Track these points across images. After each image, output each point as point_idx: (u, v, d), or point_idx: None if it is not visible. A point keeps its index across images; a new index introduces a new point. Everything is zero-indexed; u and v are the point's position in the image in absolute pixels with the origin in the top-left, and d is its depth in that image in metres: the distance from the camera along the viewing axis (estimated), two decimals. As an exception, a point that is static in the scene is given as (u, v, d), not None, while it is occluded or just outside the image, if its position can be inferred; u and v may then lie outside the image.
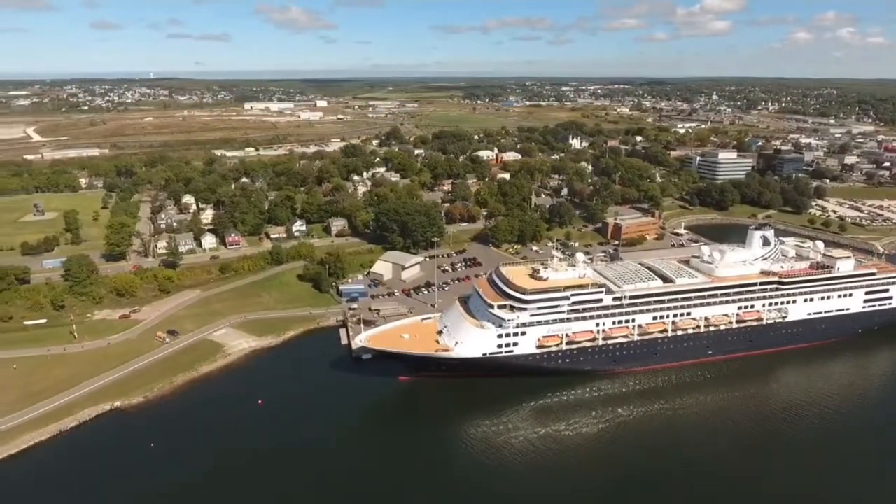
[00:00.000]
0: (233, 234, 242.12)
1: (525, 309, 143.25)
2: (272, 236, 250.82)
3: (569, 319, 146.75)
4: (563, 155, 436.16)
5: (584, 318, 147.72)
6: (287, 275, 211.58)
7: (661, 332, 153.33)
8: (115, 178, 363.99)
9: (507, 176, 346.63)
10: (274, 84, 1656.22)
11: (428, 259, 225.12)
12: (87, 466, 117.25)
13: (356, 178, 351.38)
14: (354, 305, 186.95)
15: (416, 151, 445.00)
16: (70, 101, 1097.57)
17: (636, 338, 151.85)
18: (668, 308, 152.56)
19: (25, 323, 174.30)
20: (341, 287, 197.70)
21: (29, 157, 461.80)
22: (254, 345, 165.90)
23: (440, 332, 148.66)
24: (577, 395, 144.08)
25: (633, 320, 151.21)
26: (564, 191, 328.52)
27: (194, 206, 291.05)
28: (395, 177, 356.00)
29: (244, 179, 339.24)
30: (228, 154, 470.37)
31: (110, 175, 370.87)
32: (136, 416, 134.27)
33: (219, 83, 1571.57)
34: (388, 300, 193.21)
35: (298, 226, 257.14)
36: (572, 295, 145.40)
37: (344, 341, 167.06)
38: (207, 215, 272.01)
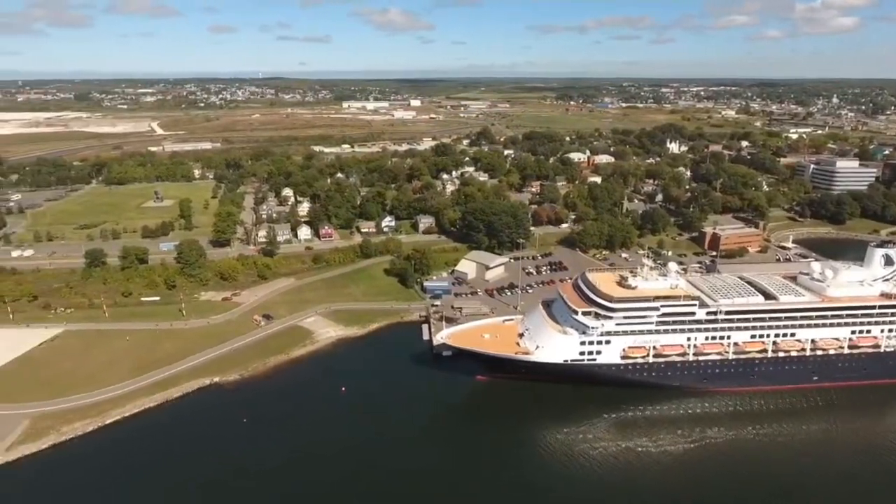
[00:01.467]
0: (326, 227, 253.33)
1: (611, 317, 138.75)
2: (362, 230, 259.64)
3: (657, 331, 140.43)
4: (659, 159, 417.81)
5: (673, 331, 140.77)
6: (374, 268, 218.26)
7: (760, 352, 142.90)
8: (225, 170, 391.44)
9: (598, 179, 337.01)
10: (371, 84, 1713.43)
11: (512, 260, 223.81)
12: (187, 433, 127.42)
13: (445, 176, 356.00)
14: (437, 302, 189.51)
15: (506, 152, 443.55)
16: (189, 98, 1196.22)
17: (731, 356, 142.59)
18: (770, 327, 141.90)
19: (142, 299, 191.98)
20: (426, 283, 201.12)
21: (152, 149, 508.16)
22: (340, 334, 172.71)
23: (521, 335, 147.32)
24: (663, 411, 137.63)
25: (729, 337, 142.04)
26: (659, 196, 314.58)
27: (292, 199, 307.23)
28: (483, 177, 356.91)
29: (339, 175, 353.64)
30: (326, 150, 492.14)
31: (220, 167, 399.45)
32: (232, 392, 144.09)
33: (320, 82, 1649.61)
34: (471, 299, 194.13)
35: (388, 221, 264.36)
36: (662, 306, 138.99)
37: (426, 337, 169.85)
38: (304, 208, 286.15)
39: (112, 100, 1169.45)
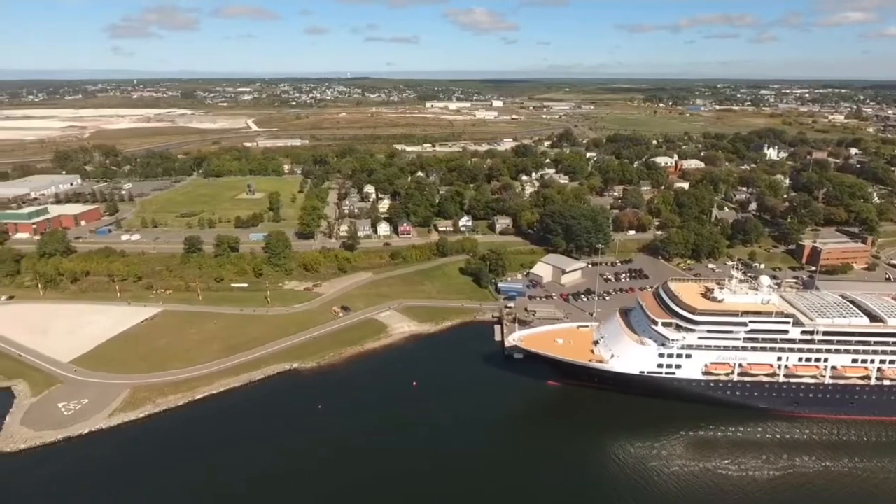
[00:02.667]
0: (405, 224, 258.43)
1: (693, 330, 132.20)
2: (440, 229, 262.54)
3: (744, 348, 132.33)
4: (754, 165, 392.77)
5: (762, 350, 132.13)
6: (450, 267, 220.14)
7: (862, 378, 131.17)
8: (312, 166, 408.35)
9: (685, 185, 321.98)
10: (454, 84, 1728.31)
11: (590, 265, 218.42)
12: (267, 414, 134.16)
13: (525, 177, 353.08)
14: (511, 304, 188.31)
15: (588, 154, 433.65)
16: (282, 97, 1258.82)
17: (828, 380, 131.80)
18: (875, 352, 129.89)
19: (232, 285, 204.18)
20: (500, 284, 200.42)
21: (247, 144, 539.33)
22: (414, 329, 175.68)
23: (596, 342, 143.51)
24: (747, 434, 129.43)
25: (826, 360, 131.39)
26: (753, 205, 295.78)
27: (374, 196, 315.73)
28: (563, 179, 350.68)
29: (419, 173, 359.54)
30: (408, 149, 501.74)
31: (308, 163, 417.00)
32: (310, 379, 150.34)
33: (405, 82, 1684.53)
34: (545, 303, 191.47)
35: (465, 221, 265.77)
36: (751, 322, 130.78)
37: (497, 338, 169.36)
38: (384, 205, 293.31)
39: (214, 98, 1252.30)
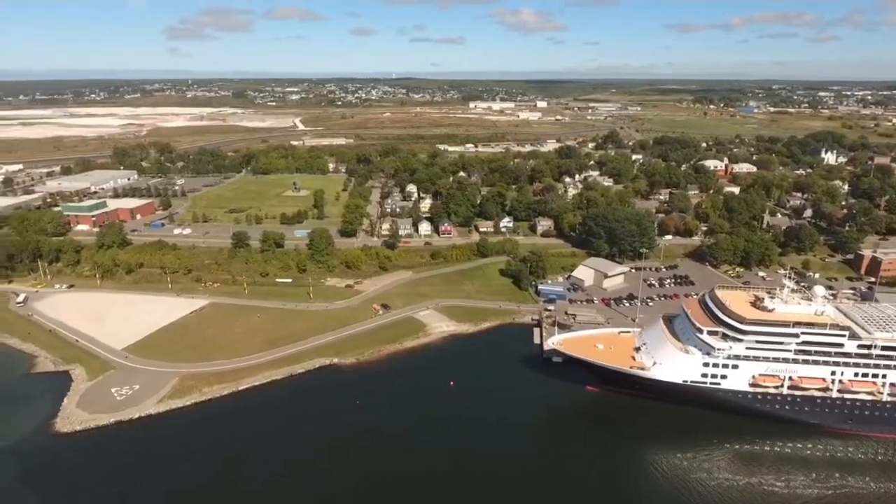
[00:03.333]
0: (446, 224, 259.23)
1: (741, 340, 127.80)
2: (481, 229, 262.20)
3: (795, 360, 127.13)
4: (810, 170, 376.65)
5: (815, 363, 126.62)
6: (490, 268, 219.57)
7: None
8: (355, 165, 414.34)
9: (735, 189, 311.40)
10: (498, 84, 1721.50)
11: (633, 270, 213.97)
12: (306, 407, 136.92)
13: (568, 179, 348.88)
14: (551, 307, 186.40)
15: (634, 157, 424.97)
16: (328, 97, 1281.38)
17: (886, 397, 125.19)
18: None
19: (277, 280, 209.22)
20: (540, 286, 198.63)
21: (294, 143, 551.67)
22: (452, 329, 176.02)
23: (638, 349, 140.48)
24: (796, 449, 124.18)
25: (885, 376, 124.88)
26: (808, 212, 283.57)
27: (416, 195, 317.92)
28: (607, 181, 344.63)
29: (461, 174, 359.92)
30: (450, 149, 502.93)
31: (352, 162, 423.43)
32: (348, 374, 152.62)
33: (449, 83, 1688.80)
34: (586, 307, 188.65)
35: (506, 222, 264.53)
36: (803, 333, 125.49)
37: (536, 340, 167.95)
38: (426, 204, 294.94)
39: (263, 97, 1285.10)
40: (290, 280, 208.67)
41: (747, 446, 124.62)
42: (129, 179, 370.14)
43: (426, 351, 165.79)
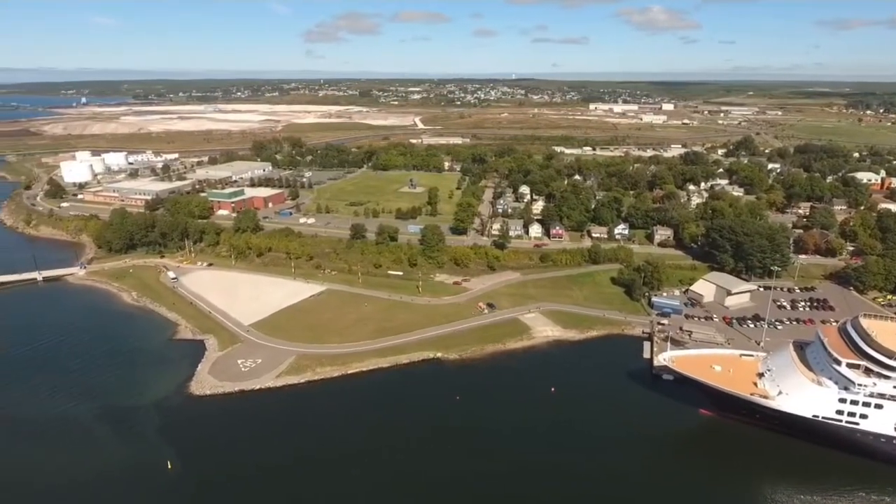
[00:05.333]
0: (557, 227, 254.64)
1: (888, 377, 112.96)
2: (593, 235, 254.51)
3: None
4: None
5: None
6: (601, 275, 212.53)
7: None
8: (470, 164, 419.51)
9: (893, 206, 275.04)
10: (621, 86, 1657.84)
11: (761, 289, 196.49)
12: (408, 397, 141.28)
13: (692, 187, 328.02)
14: (664, 321, 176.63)
15: (770, 166, 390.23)
16: (448, 97, 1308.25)
17: None
18: None
19: (388, 272, 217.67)
20: (654, 299, 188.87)
21: (413, 140, 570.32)
22: (557, 334, 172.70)
23: (761, 375, 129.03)
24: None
25: None
26: None
27: (528, 197, 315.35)
28: (737, 191, 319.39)
29: (576, 177, 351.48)
30: (567, 151, 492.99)
31: (467, 161, 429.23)
32: (450, 369, 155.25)
33: (569, 84, 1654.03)
34: (704, 324, 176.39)
35: (621, 229, 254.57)
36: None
37: (646, 355, 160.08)
38: (538, 206, 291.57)
39: (387, 97, 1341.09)
40: (400, 273, 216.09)
41: (887, 498, 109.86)
42: (264, 171, 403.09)
43: (529, 354, 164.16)
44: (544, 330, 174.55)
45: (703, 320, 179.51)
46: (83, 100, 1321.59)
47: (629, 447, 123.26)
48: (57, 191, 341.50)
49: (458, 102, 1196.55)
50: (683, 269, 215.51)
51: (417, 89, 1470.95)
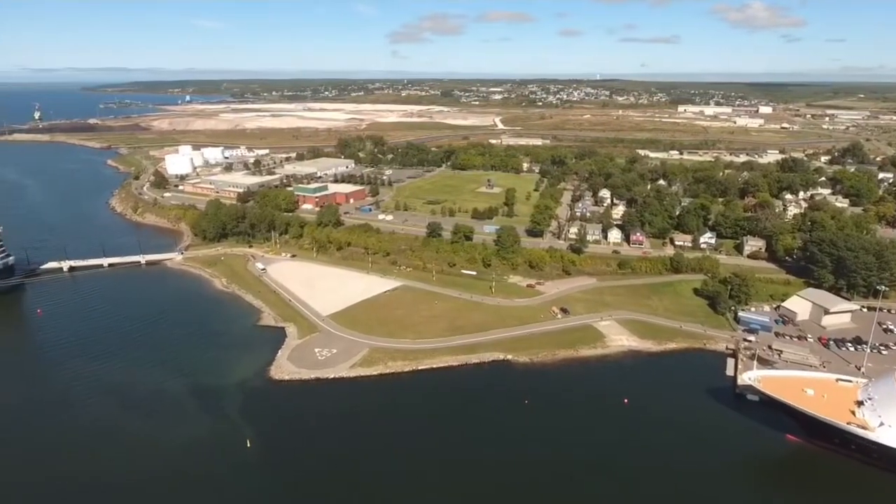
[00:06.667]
0: (638, 234, 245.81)
1: None
2: (676, 243, 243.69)
3: None
4: None
5: None
6: (683, 285, 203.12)
7: None
8: (549, 165, 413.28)
9: None
10: (714, 87, 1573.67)
11: (864, 309, 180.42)
12: (476, 397, 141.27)
13: (789, 196, 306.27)
14: (751, 337, 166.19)
15: (881, 175, 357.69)
16: (529, 97, 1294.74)
17: None
18: None
19: (462, 271, 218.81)
20: (741, 313, 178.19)
21: (492, 141, 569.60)
22: (633, 345, 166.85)
23: (860, 403, 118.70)
24: None
25: None
26: None
27: (608, 201, 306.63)
28: (841, 202, 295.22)
29: (661, 182, 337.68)
30: (651, 155, 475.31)
31: (546, 163, 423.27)
32: (520, 372, 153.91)
33: (657, 85, 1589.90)
34: (796, 344, 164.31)
35: (707, 237, 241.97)
36: None
37: (729, 372, 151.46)
38: (618, 211, 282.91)
39: (468, 97, 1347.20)
40: (474, 273, 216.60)
41: None
42: (347, 167, 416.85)
43: (602, 362, 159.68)
44: (619, 339, 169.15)
45: (795, 340, 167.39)
46: (187, 98, 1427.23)
47: (706, 470, 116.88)
48: (161, 181, 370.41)
49: (540, 103, 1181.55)
50: (775, 283, 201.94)
51: (499, 89, 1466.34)
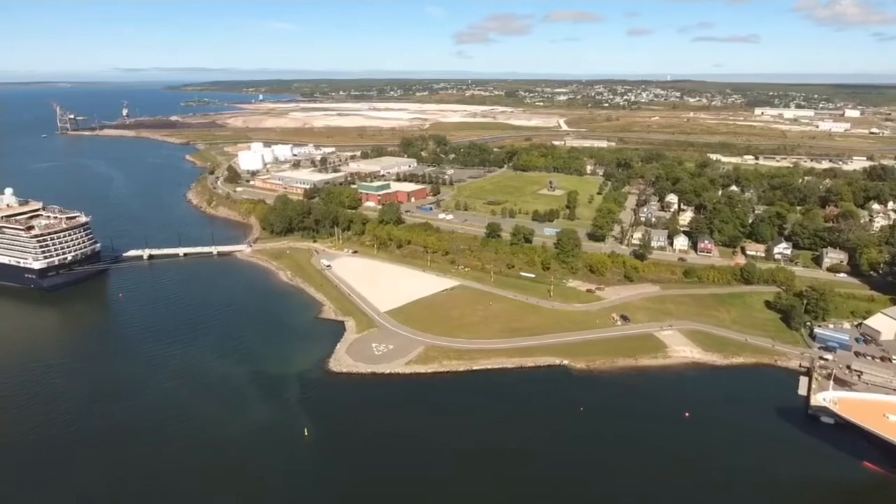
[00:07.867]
0: (706, 241, 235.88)
1: None
2: (748, 252, 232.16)
3: None
4: None
5: None
6: (753, 297, 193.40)
7: None
8: (614, 168, 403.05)
9: None
10: (795, 88, 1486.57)
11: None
12: (530, 402, 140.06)
13: (876, 206, 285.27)
14: (828, 356, 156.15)
15: None
16: (595, 98, 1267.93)
17: None
18: None
19: (521, 273, 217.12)
20: (817, 330, 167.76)
21: (556, 142, 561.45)
22: (696, 357, 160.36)
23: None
24: None
25: None
26: None
27: (675, 206, 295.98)
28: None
29: (733, 188, 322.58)
30: (723, 159, 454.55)
31: (610, 165, 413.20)
32: (577, 378, 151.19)
33: (733, 86, 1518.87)
34: (879, 365, 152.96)
35: (782, 248, 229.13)
36: None
37: (802, 392, 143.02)
38: (686, 217, 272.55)
39: (532, 97, 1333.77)
40: (533, 275, 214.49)
41: None
42: (409, 166, 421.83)
43: (663, 373, 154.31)
44: (682, 350, 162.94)
45: (878, 360, 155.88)
46: (260, 97, 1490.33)
47: (773, 493, 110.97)
48: (234, 176, 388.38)
49: (606, 104, 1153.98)
50: (858, 299, 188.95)
51: (564, 90, 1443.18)
